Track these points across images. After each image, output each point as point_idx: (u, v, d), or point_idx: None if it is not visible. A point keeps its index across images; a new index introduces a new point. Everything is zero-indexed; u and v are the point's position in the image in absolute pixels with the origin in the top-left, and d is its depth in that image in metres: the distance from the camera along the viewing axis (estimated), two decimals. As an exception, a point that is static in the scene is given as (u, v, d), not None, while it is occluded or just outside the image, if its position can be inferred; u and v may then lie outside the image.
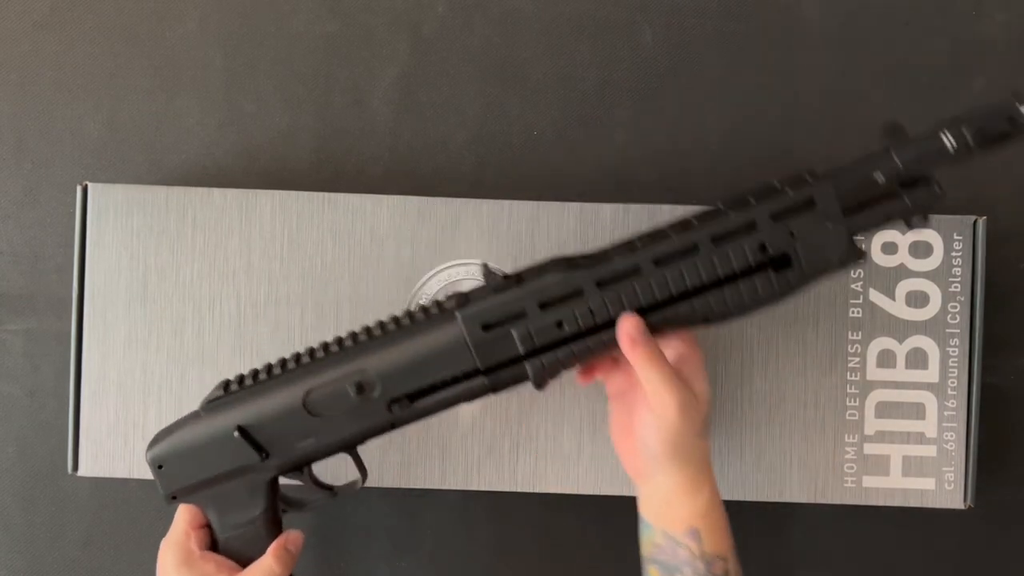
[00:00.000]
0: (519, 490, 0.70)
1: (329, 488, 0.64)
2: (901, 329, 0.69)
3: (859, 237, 0.62)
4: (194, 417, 0.61)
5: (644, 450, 0.60)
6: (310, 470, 0.63)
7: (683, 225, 0.60)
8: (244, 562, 0.61)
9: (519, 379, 0.60)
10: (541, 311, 0.59)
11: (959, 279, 0.70)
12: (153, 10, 0.77)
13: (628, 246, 0.60)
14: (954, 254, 0.70)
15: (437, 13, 0.78)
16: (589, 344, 0.59)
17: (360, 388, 0.59)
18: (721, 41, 0.78)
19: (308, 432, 0.60)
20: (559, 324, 0.59)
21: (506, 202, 0.70)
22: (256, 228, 0.70)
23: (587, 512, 0.76)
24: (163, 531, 0.76)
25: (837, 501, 0.70)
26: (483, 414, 0.70)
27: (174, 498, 0.61)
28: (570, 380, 0.69)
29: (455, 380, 0.60)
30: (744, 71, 0.78)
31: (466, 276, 0.70)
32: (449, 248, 0.70)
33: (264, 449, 0.60)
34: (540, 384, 0.60)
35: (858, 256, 0.59)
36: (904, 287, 0.70)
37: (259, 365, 0.63)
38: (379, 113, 0.77)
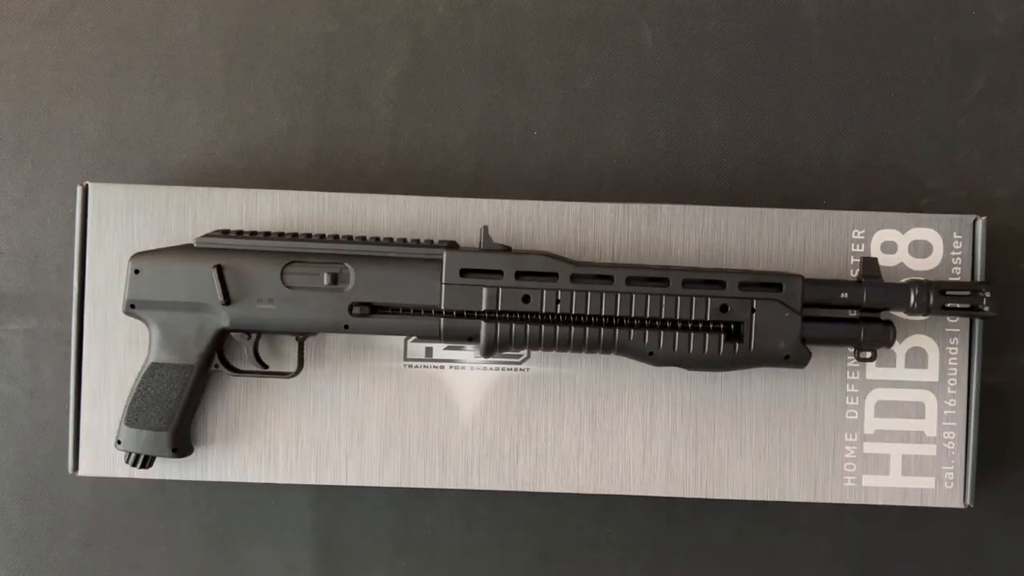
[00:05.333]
0: (519, 490, 0.70)
1: (264, 365, 0.68)
2: (900, 328, 0.69)
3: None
4: (185, 247, 0.67)
5: None
6: (257, 341, 0.68)
7: (666, 266, 0.67)
8: (150, 402, 0.66)
9: (472, 337, 0.65)
10: (516, 279, 0.65)
11: (959, 278, 0.70)
12: (153, 10, 0.78)
13: (612, 264, 0.66)
14: (954, 253, 0.70)
15: (437, 13, 0.78)
16: (545, 332, 0.64)
17: (334, 279, 0.65)
18: (721, 41, 0.78)
19: (273, 298, 0.65)
20: (526, 298, 0.65)
21: (506, 202, 0.70)
22: (256, 228, 0.70)
23: (587, 512, 0.76)
24: (163, 531, 0.77)
25: (837, 500, 0.70)
26: (483, 414, 0.70)
27: (132, 307, 0.66)
28: (571, 382, 0.69)
29: (416, 311, 0.65)
30: (744, 71, 0.78)
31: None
32: (449, 248, 0.70)
33: (229, 296, 0.65)
34: (488, 350, 0.65)
35: (805, 357, 0.66)
36: (904, 287, 0.70)
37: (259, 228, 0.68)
38: (379, 113, 0.77)
